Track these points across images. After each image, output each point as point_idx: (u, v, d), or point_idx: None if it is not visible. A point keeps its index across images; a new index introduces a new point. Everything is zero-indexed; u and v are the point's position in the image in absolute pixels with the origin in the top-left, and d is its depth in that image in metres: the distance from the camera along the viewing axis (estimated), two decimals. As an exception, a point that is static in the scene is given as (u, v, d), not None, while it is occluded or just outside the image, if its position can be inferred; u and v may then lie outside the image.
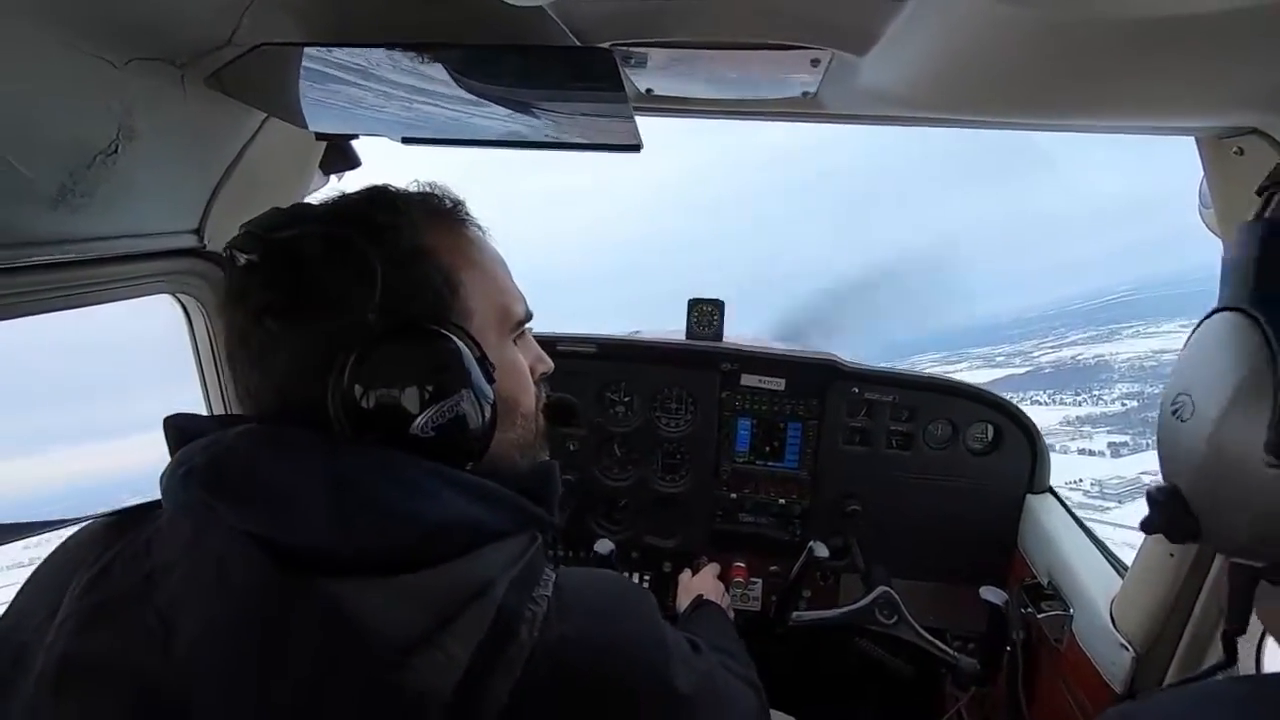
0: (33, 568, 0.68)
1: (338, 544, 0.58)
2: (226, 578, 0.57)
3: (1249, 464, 0.56)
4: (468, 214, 0.78)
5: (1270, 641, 1.04)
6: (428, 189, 0.77)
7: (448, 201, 0.77)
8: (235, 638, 0.55)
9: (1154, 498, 0.68)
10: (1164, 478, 0.71)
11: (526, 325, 0.82)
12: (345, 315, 0.64)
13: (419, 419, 0.64)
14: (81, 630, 0.57)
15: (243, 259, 0.66)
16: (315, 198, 1.41)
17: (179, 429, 0.67)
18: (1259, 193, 0.73)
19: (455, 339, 0.67)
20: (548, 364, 0.86)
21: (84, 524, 0.69)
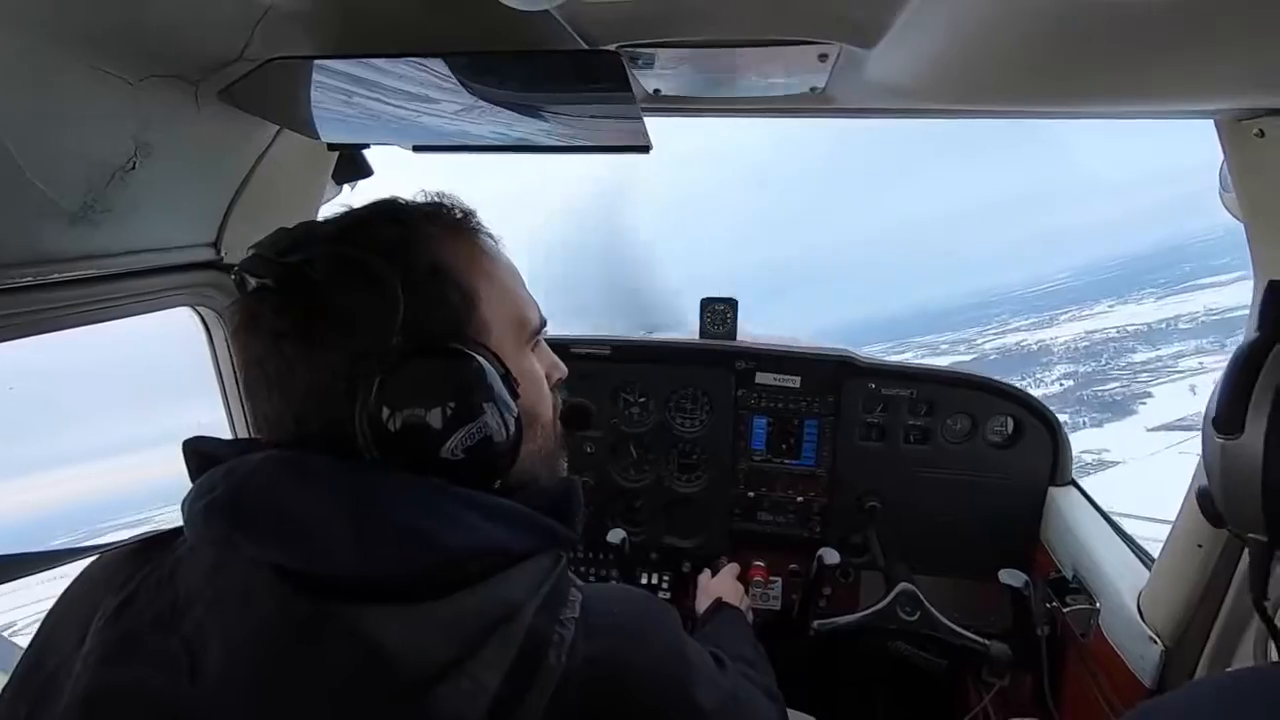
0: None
1: (361, 572, 0.58)
2: (250, 608, 0.57)
3: (1210, 443, 0.62)
4: (479, 224, 0.77)
5: None
6: (437, 200, 0.76)
7: (458, 212, 0.76)
8: (260, 668, 0.55)
9: (1197, 497, 0.72)
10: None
11: (541, 332, 0.81)
12: (365, 337, 0.63)
13: (449, 441, 0.64)
14: (107, 662, 0.57)
15: (253, 283, 0.65)
16: (327, 209, 1.43)
17: (198, 454, 0.67)
18: None
19: (479, 357, 0.66)
20: (562, 370, 0.86)
21: (107, 551, 0.68)
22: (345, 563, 0.57)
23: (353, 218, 0.72)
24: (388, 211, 0.73)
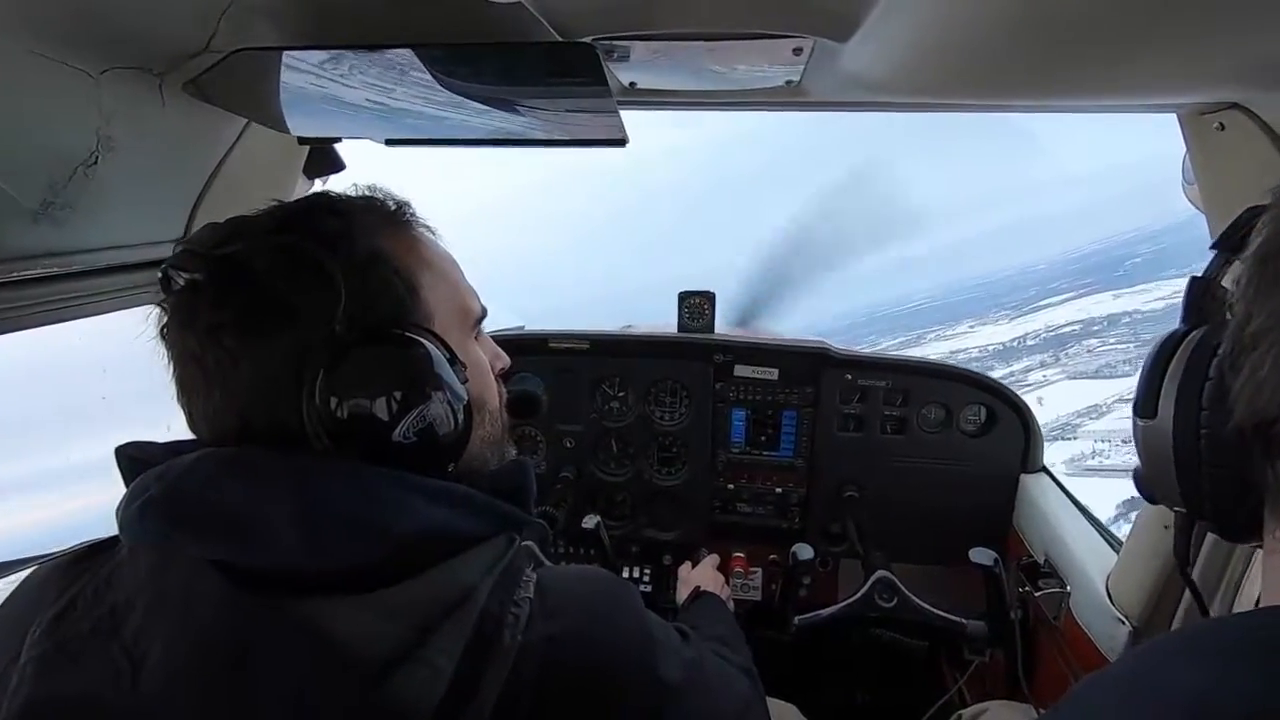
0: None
1: (307, 563, 0.57)
2: (192, 608, 0.55)
3: (1135, 427, 0.66)
4: (414, 214, 0.76)
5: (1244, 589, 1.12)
6: (369, 192, 0.76)
7: (391, 203, 0.75)
8: (206, 669, 0.54)
9: (1132, 476, 0.76)
10: None
11: (483, 321, 0.82)
12: (309, 327, 0.62)
13: (400, 426, 0.63)
14: (44, 672, 0.55)
15: (183, 279, 0.63)
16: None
17: (131, 458, 0.65)
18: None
19: (426, 342, 0.66)
20: (505, 360, 0.86)
21: (42, 563, 0.66)
22: (291, 555, 0.57)
23: (288, 210, 0.71)
24: (324, 203, 0.72)
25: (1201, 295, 0.66)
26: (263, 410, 0.63)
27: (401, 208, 0.76)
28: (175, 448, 0.65)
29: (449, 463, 0.69)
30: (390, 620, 0.56)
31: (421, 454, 0.65)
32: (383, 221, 0.73)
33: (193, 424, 0.67)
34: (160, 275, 0.65)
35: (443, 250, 0.78)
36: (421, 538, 0.61)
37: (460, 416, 0.68)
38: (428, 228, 0.77)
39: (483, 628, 0.57)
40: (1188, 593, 1.20)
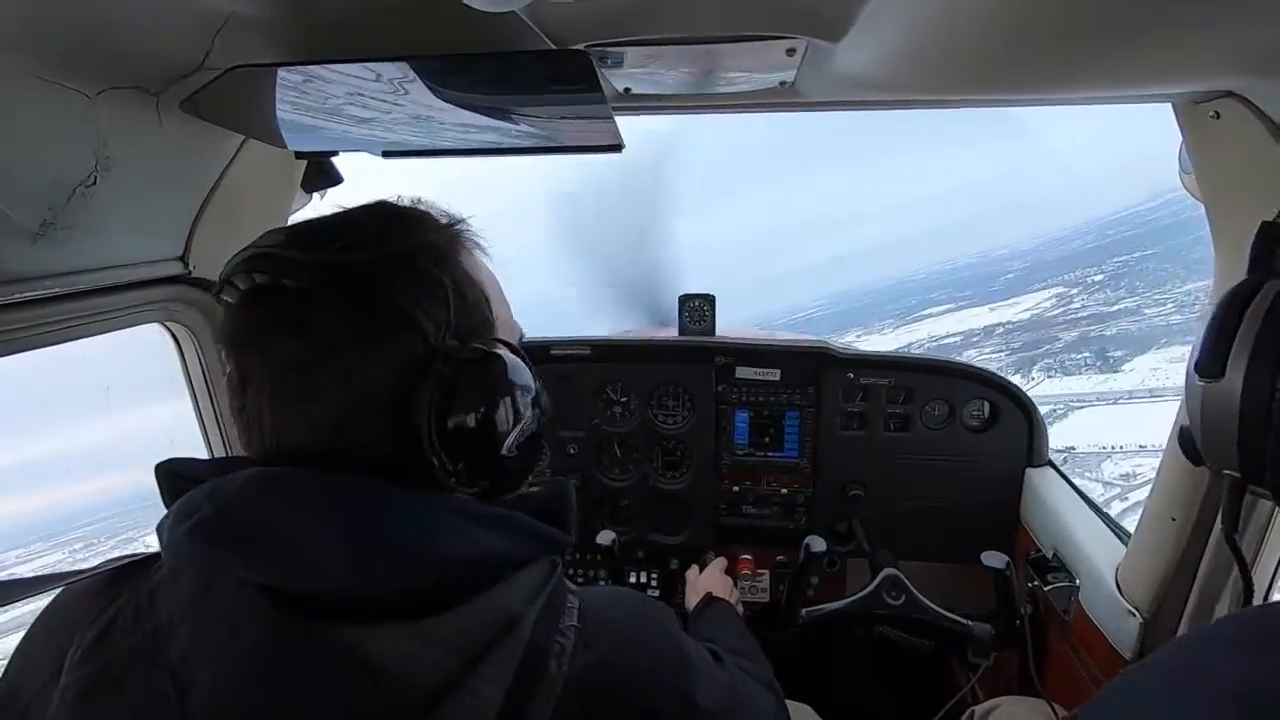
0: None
1: (356, 590, 0.56)
2: (238, 632, 0.55)
3: (1192, 385, 0.64)
4: (471, 229, 0.75)
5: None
6: (422, 206, 0.73)
7: (446, 218, 0.73)
8: (253, 695, 0.53)
9: (1178, 437, 0.76)
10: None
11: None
12: (423, 340, 0.61)
13: (509, 439, 0.64)
14: (86, 697, 0.55)
15: (242, 285, 0.62)
16: (296, 219, 1.40)
17: (174, 475, 0.64)
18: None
19: (521, 357, 0.67)
20: None
21: (75, 581, 0.65)
22: (339, 581, 0.56)
23: (378, 218, 0.69)
24: (416, 216, 0.70)
25: (1276, 242, 0.63)
26: (360, 424, 0.61)
27: (460, 223, 0.74)
28: (221, 466, 0.63)
29: (529, 477, 0.69)
30: (438, 648, 0.55)
31: (518, 468, 0.65)
32: (456, 238, 0.71)
33: (260, 437, 0.63)
34: (222, 279, 0.63)
35: (491, 269, 0.77)
36: (469, 564, 0.60)
37: (538, 429, 0.69)
38: (479, 244, 0.75)
39: (528, 658, 0.57)
40: (1197, 583, 1.20)
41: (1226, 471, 0.65)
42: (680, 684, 0.65)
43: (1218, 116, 0.98)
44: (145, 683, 0.54)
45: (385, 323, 0.61)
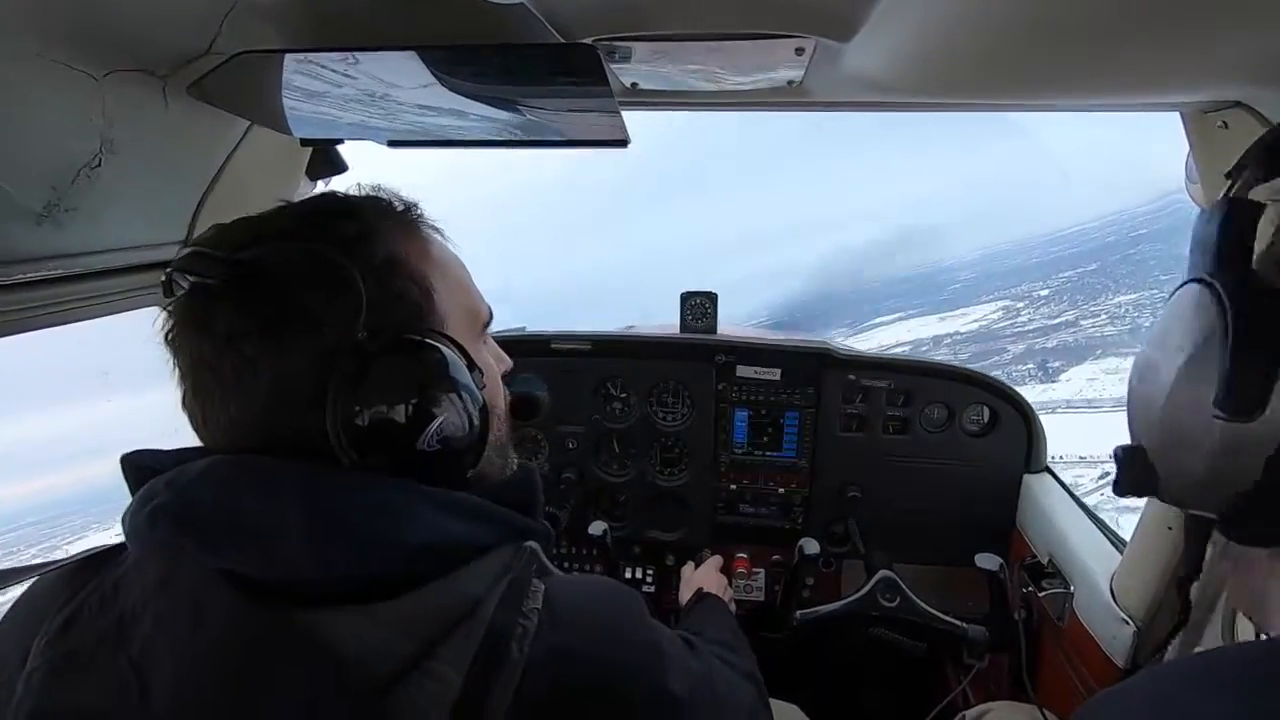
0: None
1: (317, 575, 0.56)
2: (201, 619, 0.55)
3: (1201, 417, 0.58)
4: (423, 215, 0.75)
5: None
6: (375, 192, 0.74)
7: (399, 204, 0.74)
8: (215, 681, 0.54)
9: (1119, 457, 0.70)
10: (1131, 438, 0.72)
11: (490, 324, 0.81)
12: (332, 335, 0.61)
13: (423, 434, 0.63)
14: (51, 683, 0.55)
15: (187, 282, 0.62)
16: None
17: (137, 467, 0.64)
18: (1226, 176, 0.74)
19: (445, 348, 0.66)
20: (507, 362, 0.86)
21: (47, 571, 0.66)
22: (301, 566, 0.56)
23: (300, 212, 0.70)
24: (336, 205, 0.71)
25: None
26: (283, 420, 0.62)
27: (410, 208, 0.74)
28: (183, 455, 0.64)
29: (469, 469, 0.68)
30: (397, 632, 0.55)
31: (443, 462, 0.64)
32: (395, 224, 0.71)
33: (203, 431, 0.66)
34: (164, 278, 0.64)
35: (451, 252, 0.77)
36: (430, 549, 0.60)
37: (478, 422, 0.67)
38: (436, 229, 0.76)
39: (489, 640, 0.56)
40: (1192, 592, 1.19)
41: (1198, 512, 0.62)
42: (650, 669, 0.64)
43: (1226, 126, 0.98)
44: (108, 670, 0.55)
45: (285, 317, 0.61)
